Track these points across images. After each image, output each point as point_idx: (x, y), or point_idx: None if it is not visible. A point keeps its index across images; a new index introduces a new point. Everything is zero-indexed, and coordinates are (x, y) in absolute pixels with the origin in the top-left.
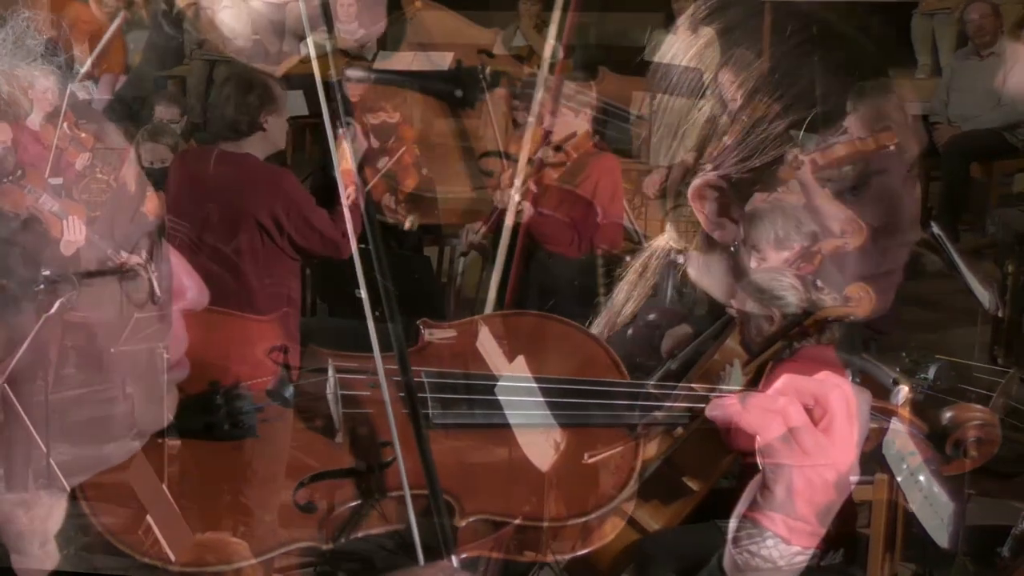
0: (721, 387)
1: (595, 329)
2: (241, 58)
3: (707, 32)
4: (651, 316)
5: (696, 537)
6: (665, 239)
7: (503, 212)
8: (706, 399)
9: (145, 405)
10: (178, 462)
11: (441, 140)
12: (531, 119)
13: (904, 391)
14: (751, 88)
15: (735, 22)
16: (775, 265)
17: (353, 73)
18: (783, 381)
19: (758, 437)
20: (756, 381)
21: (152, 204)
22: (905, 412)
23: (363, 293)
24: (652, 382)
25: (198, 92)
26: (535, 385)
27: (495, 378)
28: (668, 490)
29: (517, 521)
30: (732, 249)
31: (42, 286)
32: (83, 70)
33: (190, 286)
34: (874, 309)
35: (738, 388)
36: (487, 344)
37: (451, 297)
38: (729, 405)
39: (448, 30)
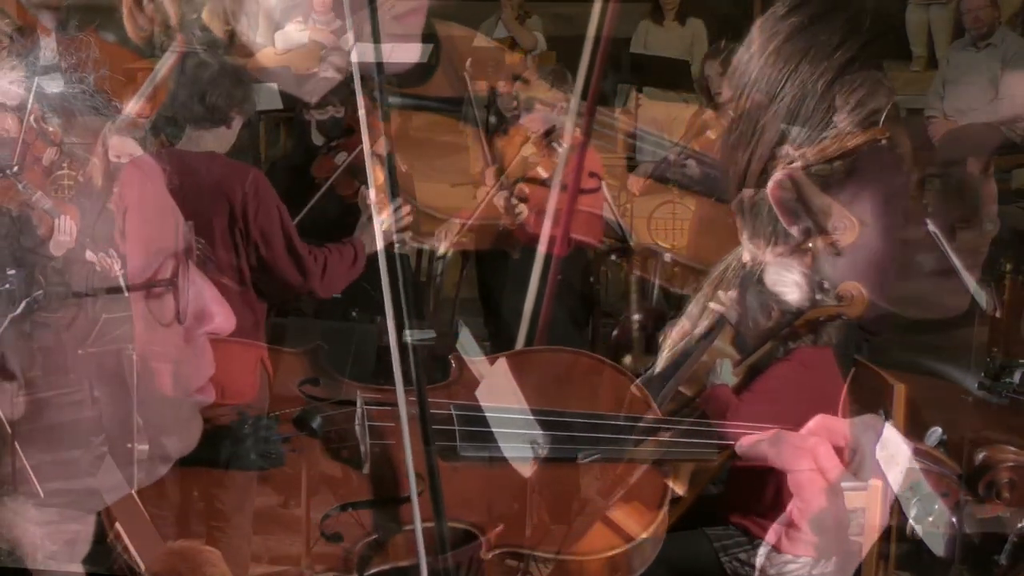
0: (713, 381)
1: (667, 344)
2: (213, 50)
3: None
4: (637, 316)
5: (684, 545)
6: (742, 251)
7: (486, 210)
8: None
9: (175, 429)
10: (206, 489)
11: (421, 135)
12: (565, 144)
13: (938, 433)
14: (741, 81)
15: (814, 16)
16: (772, 260)
17: (390, 99)
18: (816, 421)
19: (789, 476)
20: (748, 382)
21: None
22: (938, 453)
23: (390, 297)
24: (638, 381)
25: (177, 77)
26: (562, 420)
27: (523, 412)
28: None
29: (542, 554)
30: (809, 245)
31: (7, 285)
32: (128, 110)
33: (217, 311)
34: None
35: (728, 384)
36: (467, 344)
37: (431, 297)
38: (759, 442)
39: (479, 53)
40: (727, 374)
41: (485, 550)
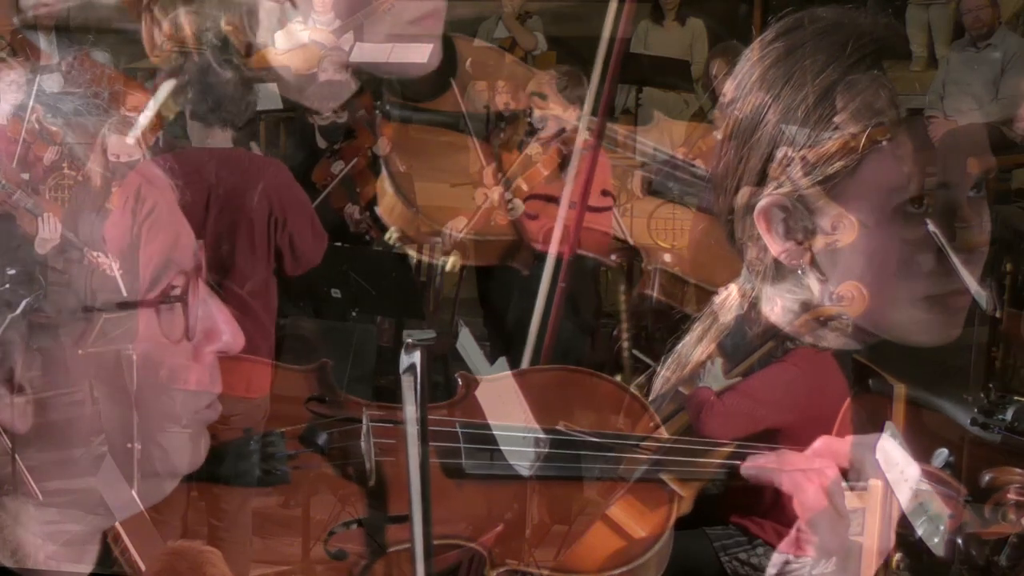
0: (700, 384)
1: (664, 371)
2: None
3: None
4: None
5: (684, 545)
6: (740, 282)
7: (489, 211)
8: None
9: (183, 445)
10: (207, 490)
11: (422, 134)
12: (574, 160)
13: (944, 454)
14: (744, 83)
15: (799, 42)
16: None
17: (394, 112)
18: (822, 443)
19: (795, 500)
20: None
21: (120, 199)
22: (944, 474)
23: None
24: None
25: (198, 77)
26: (569, 438)
27: (529, 431)
28: (654, 495)
29: (546, 573)
30: (800, 272)
31: (7, 286)
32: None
33: (225, 329)
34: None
35: (717, 387)
36: (467, 344)
37: (430, 297)
38: (764, 464)
39: (479, 53)
40: (718, 375)
41: (489, 567)
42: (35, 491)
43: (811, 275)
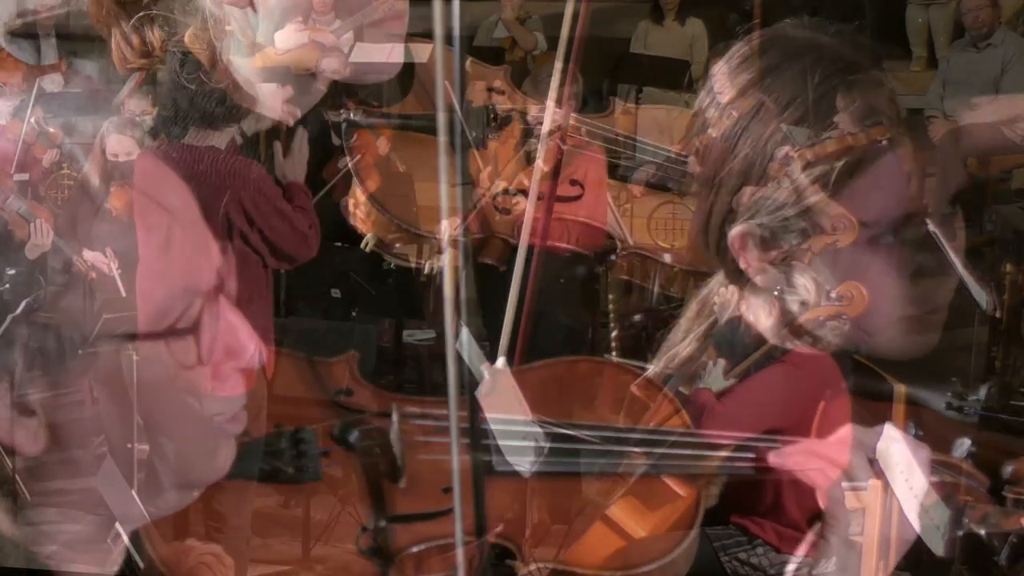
0: (700, 385)
1: (655, 366)
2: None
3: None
4: (637, 318)
5: None
6: (721, 279)
7: (484, 208)
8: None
9: (198, 457)
10: (245, 503)
11: (420, 135)
12: (540, 148)
13: (967, 444)
14: (743, 81)
15: (773, 64)
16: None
17: (365, 120)
18: (845, 432)
19: (819, 492)
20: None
21: (118, 199)
22: (967, 465)
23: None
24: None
25: (171, 83)
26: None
27: (559, 425)
28: (654, 495)
29: (579, 571)
30: (776, 293)
31: (7, 285)
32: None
33: (248, 345)
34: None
35: (717, 388)
36: (467, 344)
37: (430, 296)
38: (791, 455)
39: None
40: (717, 376)
41: (520, 566)
42: (24, 491)
43: (788, 293)
